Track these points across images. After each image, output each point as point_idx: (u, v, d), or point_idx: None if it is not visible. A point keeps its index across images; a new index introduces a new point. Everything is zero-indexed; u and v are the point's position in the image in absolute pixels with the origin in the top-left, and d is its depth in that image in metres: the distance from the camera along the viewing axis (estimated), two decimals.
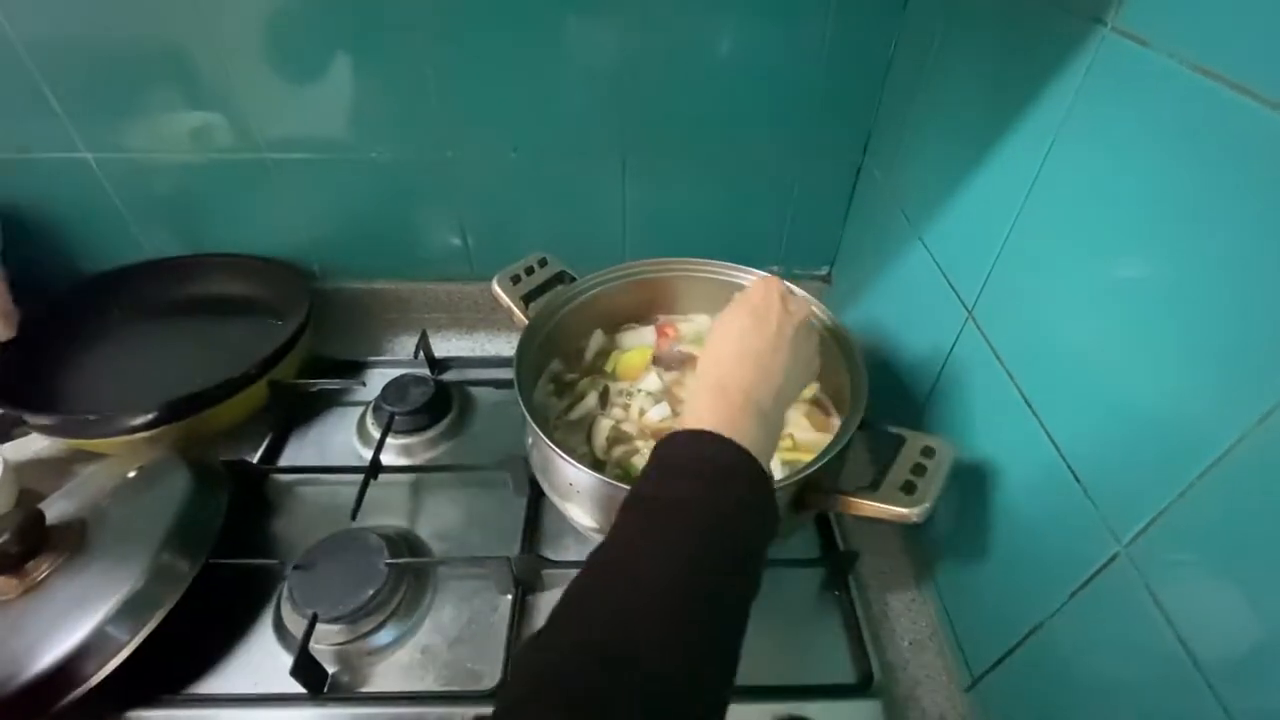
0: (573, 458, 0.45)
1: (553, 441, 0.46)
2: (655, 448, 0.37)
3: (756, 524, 0.35)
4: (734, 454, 0.35)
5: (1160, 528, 0.34)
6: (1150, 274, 0.35)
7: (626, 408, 0.59)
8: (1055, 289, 0.42)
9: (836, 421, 0.59)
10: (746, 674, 0.32)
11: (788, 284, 0.49)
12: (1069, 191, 0.41)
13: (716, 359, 0.42)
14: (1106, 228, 0.38)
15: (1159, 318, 0.34)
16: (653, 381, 0.60)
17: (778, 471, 0.53)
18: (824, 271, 0.86)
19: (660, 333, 0.66)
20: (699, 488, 0.34)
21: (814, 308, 0.57)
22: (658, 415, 0.57)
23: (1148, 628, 0.34)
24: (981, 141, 0.49)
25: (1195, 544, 0.32)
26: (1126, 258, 0.37)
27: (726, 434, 0.36)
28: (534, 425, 0.46)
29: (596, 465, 0.53)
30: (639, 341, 0.65)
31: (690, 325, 0.67)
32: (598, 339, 0.65)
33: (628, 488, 0.42)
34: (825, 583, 0.58)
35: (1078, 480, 0.39)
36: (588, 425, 0.57)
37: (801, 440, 0.56)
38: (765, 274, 0.50)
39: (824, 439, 0.56)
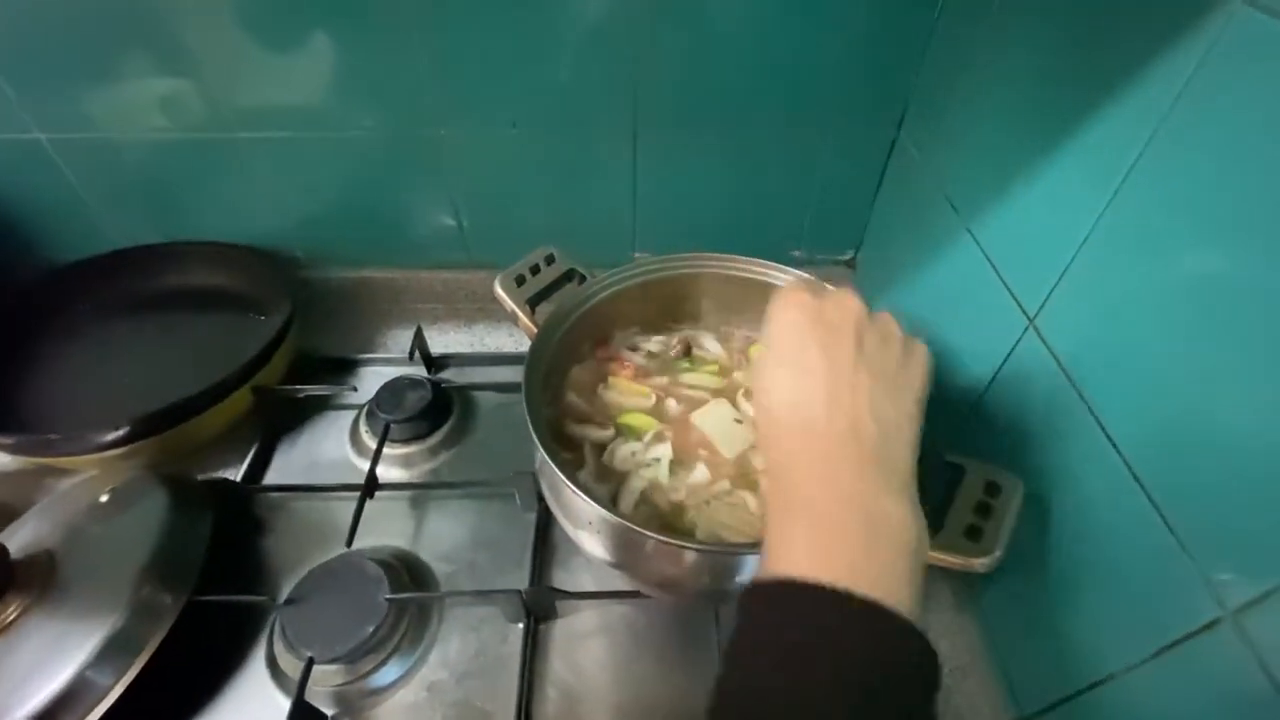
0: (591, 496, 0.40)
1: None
2: (746, 610, 0.27)
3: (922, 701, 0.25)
4: (865, 621, 0.25)
5: None
6: None
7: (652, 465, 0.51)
8: (1149, 304, 0.37)
9: None
10: None
11: (809, 282, 0.36)
12: (1176, 187, 0.35)
13: (780, 459, 0.30)
14: (1227, 230, 0.32)
15: None
16: (663, 450, 0.51)
17: None
18: (848, 256, 0.80)
19: (618, 362, 0.58)
20: (842, 693, 0.24)
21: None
22: (701, 478, 0.50)
23: (1256, 699, 0.30)
24: (1059, 123, 0.42)
25: None
26: (1257, 267, 0.31)
27: (843, 582, 0.25)
28: (548, 459, 0.41)
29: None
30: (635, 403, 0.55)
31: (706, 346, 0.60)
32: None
33: (657, 537, 0.38)
34: None
35: (1171, 530, 0.35)
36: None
37: None
38: (785, 284, 0.37)
39: None
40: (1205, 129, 0.33)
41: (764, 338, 0.35)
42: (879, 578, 0.26)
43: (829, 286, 0.37)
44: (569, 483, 0.39)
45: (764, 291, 0.58)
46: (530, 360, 0.47)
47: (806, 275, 0.39)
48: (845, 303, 0.34)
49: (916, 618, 0.26)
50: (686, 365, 0.58)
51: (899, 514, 0.28)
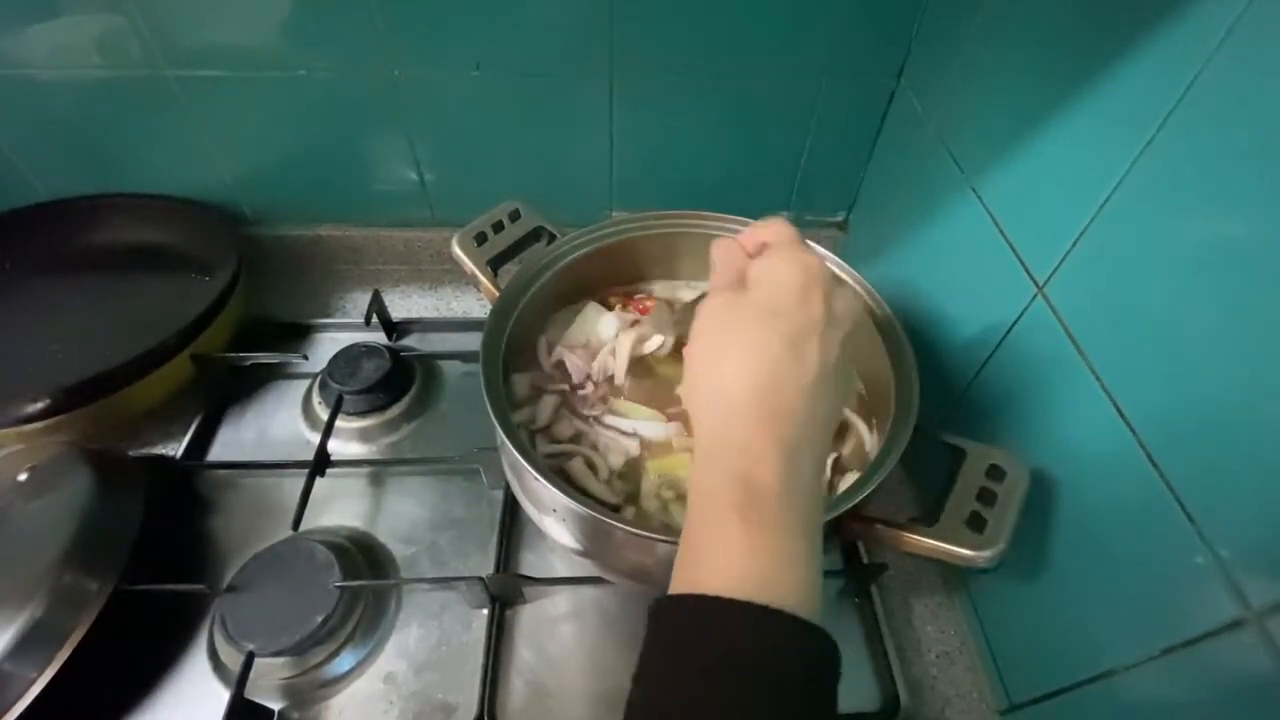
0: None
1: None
2: (655, 630, 0.26)
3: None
4: (789, 637, 0.24)
5: None
6: None
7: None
8: (1176, 274, 0.33)
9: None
10: None
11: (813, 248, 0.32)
12: (1219, 142, 0.30)
13: (728, 418, 0.28)
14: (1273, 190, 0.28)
15: None
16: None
17: None
18: (839, 218, 0.75)
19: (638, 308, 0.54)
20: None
21: (842, 275, 0.47)
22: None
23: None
24: (1085, 66, 0.38)
25: None
26: None
27: (769, 592, 0.24)
28: (507, 440, 0.37)
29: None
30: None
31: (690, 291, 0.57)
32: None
33: (624, 528, 0.34)
34: (844, 589, 0.51)
35: (1190, 519, 0.31)
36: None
37: None
38: (776, 224, 0.32)
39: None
40: (1258, 73, 0.29)
41: (760, 284, 0.30)
42: (798, 584, 0.25)
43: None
44: (530, 468, 0.35)
45: None
46: (490, 327, 0.43)
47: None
48: (849, 294, 0.31)
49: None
50: None
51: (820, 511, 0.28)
